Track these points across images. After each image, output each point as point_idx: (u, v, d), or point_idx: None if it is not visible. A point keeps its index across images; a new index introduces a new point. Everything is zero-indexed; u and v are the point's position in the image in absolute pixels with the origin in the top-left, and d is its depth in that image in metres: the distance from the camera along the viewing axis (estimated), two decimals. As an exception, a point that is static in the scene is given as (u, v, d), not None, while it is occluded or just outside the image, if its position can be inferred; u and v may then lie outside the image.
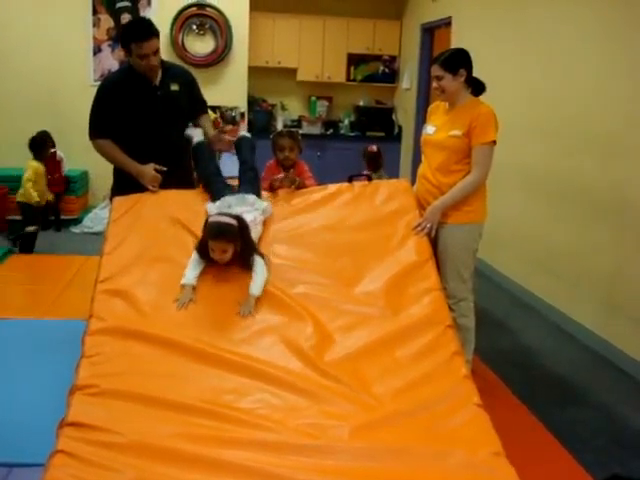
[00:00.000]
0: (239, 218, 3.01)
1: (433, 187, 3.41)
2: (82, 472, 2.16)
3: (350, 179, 3.59)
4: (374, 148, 5.38)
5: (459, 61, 3.33)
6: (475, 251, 3.49)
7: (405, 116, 8.92)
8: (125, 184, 3.60)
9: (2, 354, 3.68)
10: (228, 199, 3.24)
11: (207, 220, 3.01)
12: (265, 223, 3.32)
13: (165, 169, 3.56)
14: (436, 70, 3.34)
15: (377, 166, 5.28)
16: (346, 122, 9.26)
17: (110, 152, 3.66)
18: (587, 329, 4.63)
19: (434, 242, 3.38)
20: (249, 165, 3.62)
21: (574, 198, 4.80)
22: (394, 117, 9.25)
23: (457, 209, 3.37)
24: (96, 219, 7.16)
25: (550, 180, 5.13)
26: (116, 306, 3.00)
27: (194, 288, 3.00)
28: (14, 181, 6.54)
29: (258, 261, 3.04)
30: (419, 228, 3.28)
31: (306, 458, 2.26)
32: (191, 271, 3.02)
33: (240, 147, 3.78)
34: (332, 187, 3.56)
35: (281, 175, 3.55)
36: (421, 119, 7.64)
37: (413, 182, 3.67)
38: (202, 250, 3.03)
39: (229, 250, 2.95)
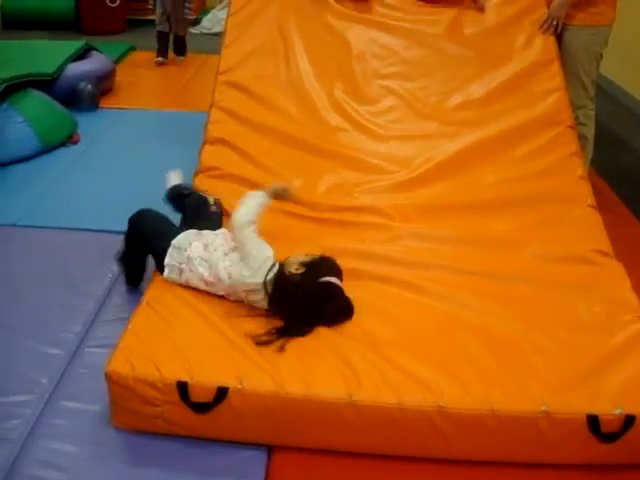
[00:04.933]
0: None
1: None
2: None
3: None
4: None
5: None
6: (599, 57, 3.27)
7: None
8: None
9: (132, 140, 3.92)
10: (183, 237, 2.28)
11: (313, 281, 2.04)
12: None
13: None
14: None
15: None
16: None
17: None
18: None
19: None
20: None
21: None
22: None
23: (582, 10, 3.15)
24: (214, 20, 7.05)
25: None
26: (236, 97, 3.10)
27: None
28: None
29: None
30: (545, 26, 3.14)
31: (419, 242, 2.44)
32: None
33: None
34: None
35: None
36: None
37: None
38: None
39: None
